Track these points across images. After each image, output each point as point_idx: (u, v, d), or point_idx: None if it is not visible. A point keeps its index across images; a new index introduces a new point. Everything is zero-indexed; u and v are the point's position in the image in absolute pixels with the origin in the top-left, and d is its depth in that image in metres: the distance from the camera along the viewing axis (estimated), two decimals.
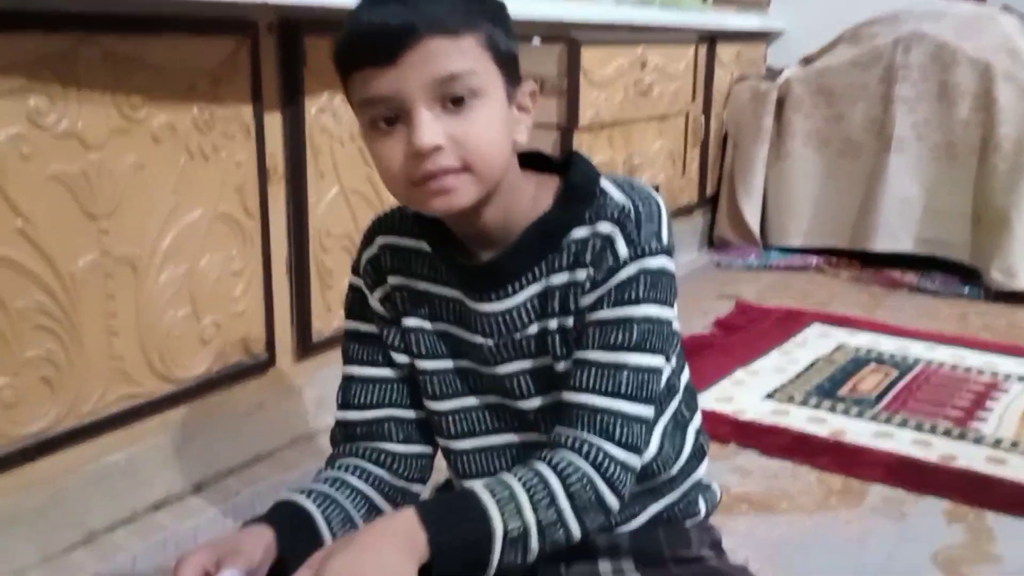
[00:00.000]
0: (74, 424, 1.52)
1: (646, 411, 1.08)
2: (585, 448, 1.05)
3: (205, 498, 1.72)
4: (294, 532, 1.06)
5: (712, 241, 3.65)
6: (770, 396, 2.26)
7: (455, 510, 1.01)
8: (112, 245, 1.53)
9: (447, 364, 1.17)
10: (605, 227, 1.07)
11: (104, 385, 1.56)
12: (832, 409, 2.18)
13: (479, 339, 1.13)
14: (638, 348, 1.07)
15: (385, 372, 1.19)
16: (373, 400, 1.19)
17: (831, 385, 2.32)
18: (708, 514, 1.30)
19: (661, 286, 1.08)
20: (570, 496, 1.03)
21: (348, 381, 1.20)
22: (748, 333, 2.69)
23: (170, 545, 1.57)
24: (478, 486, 1.02)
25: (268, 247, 1.82)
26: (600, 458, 1.05)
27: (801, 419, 2.13)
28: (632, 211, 1.07)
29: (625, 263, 1.06)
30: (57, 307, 1.46)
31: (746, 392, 2.28)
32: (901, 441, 2.02)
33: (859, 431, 2.07)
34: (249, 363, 1.82)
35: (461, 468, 1.20)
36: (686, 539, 1.24)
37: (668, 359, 1.14)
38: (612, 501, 1.07)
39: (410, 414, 1.20)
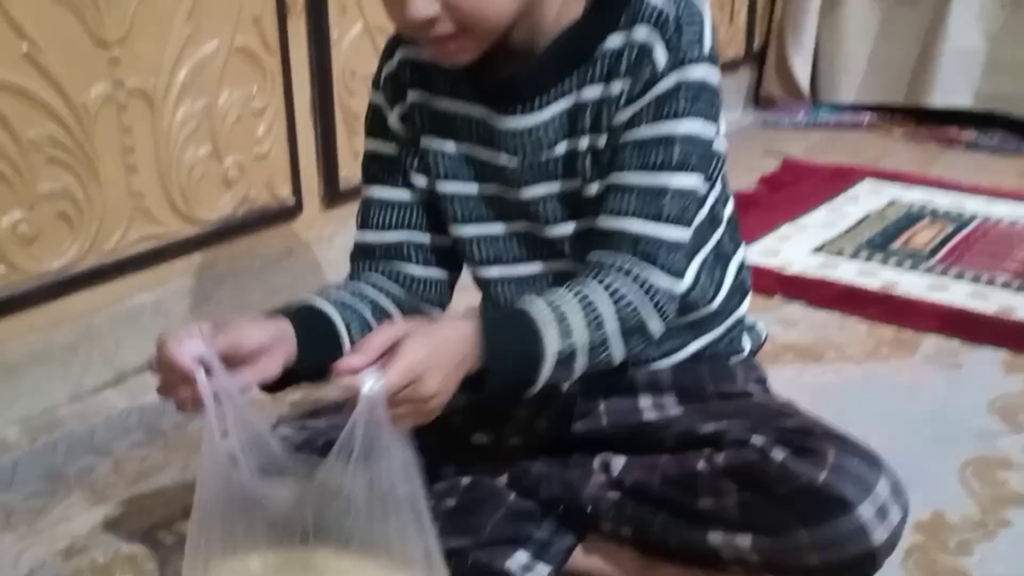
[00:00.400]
0: (97, 263, 1.48)
1: (686, 235, 1.02)
2: (633, 272, 1.00)
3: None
4: (315, 336, 1.01)
5: (758, 100, 3.49)
6: (818, 250, 2.17)
7: (512, 327, 0.96)
8: (124, 75, 1.45)
9: (471, 188, 1.10)
10: (641, 33, 0.97)
11: (126, 223, 1.51)
12: (884, 262, 2.09)
13: (504, 159, 1.05)
14: (680, 168, 0.99)
15: (404, 194, 1.12)
16: (392, 222, 1.13)
17: (883, 239, 2.22)
18: (753, 352, 1.25)
19: (703, 99, 0.99)
20: (619, 319, 0.99)
21: (367, 202, 1.14)
22: (795, 189, 2.58)
23: None
24: (534, 301, 0.98)
25: (290, 86, 1.73)
26: (647, 283, 1.00)
27: (851, 272, 2.05)
28: (671, 14, 0.97)
29: (664, 73, 0.97)
30: (71, 139, 1.39)
31: (793, 246, 2.19)
32: (956, 293, 1.94)
33: (912, 284, 1.99)
34: (276, 208, 1.76)
35: (493, 296, 1.14)
36: (730, 375, 1.19)
37: (709, 180, 1.08)
38: (656, 327, 1.02)
39: (429, 239, 1.13)
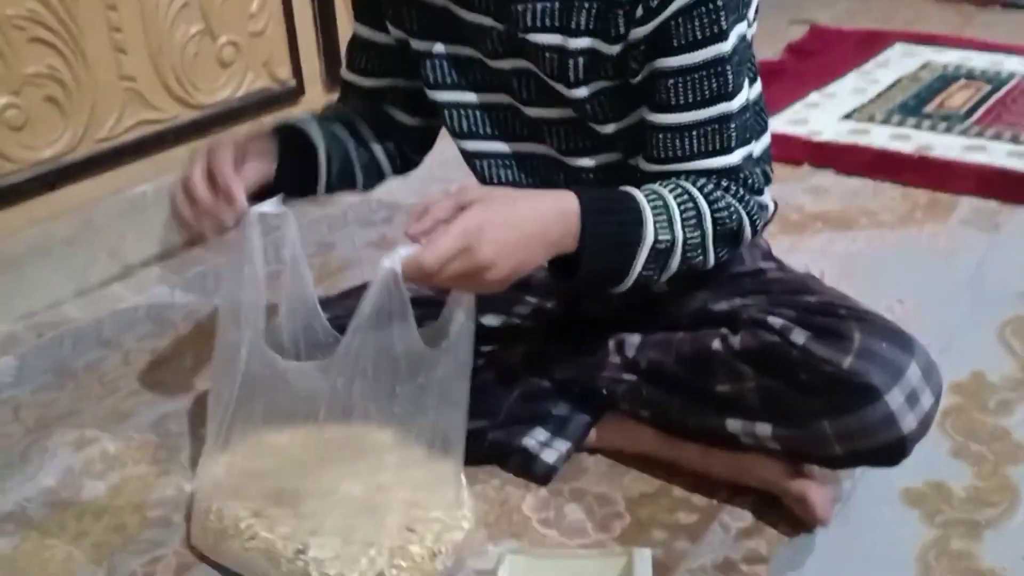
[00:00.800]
0: (92, 150, 1.43)
1: (753, 147, 0.97)
2: (731, 190, 0.95)
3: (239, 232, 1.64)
4: (296, 166, 0.99)
5: None
6: (848, 116, 2.06)
7: (614, 209, 0.90)
8: None
9: (440, 48, 1.01)
10: None
11: (119, 108, 1.44)
12: (917, 126, 1.99)
13: (483, 19, 0.97)
14: (737, 89, 0.92)
15: (388, 39, 1.05)
16: (376, 67, 1.08)
17: (916, 102, 2.11)
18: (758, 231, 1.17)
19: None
20: (715, 221, 0.93)
21: (353, 42, 1.09)
22: (824, 57, 2.45)
23: (209, 278, 1.50)
24: (631, 188, 0.92)
25: None
26: (737, 192, 0.95)
27: (883, 137, 1.95)
28: None
29: None
30: (53, 17, 1.32)
31: (821, 114, 2.08)
32: (995, 154, 1.84)
33: (948, 146, 1.89)
34: (276, 90, 1.68)
35: (479, 175, 1.07)
36: (737, 256, 1.12)
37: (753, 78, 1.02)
38: (747, 236, 0.97)
39: (413, 85, 1.06)
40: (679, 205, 0.91)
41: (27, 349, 1.33)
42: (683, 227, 0.91)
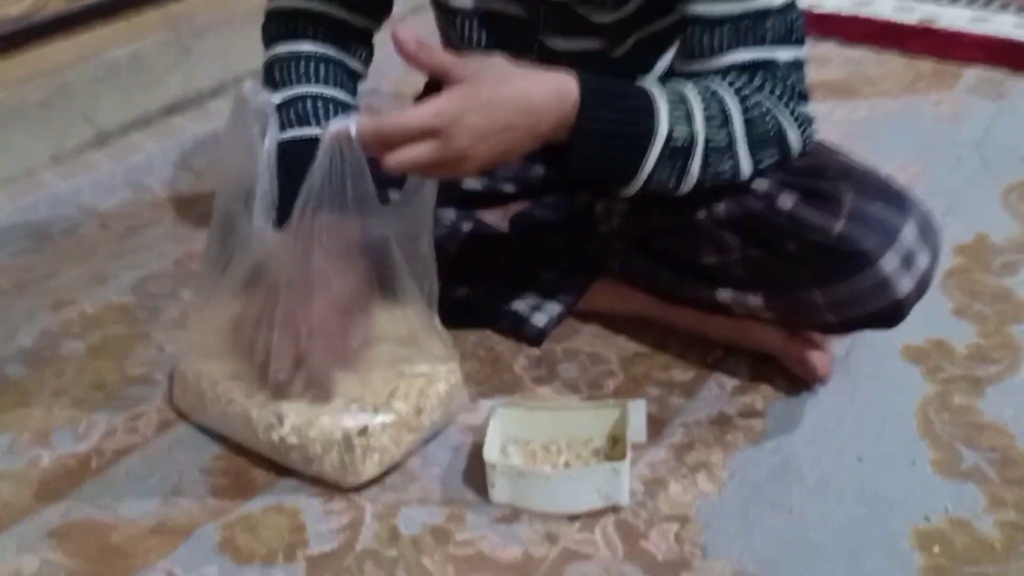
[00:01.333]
0: (62, 9, 1.36)
1: (801, 54, 0.89)
2: (758, 83, 0.86)
3: (225, 102, 1.58)
4: None
5: None
6: None
7: (619, 92, 0.82)
8: None
9: None
10: None
11: None
12: None
13: None
14: None
15: None
16: None
17: None
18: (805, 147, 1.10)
19: None
20: (748, 122, 0.85)
21: None
22: None
23: (187, 146, 1.45)
24: (644, 80, 0.85)
25: None
26: (779, 93, 0.87)
27: (887, 8, 1.87)
28: None
29: None
30: None
31: None
32: (1001, 24, 1.78)
33: (953, 17, 1.82)
34: None
35: (458, 34, 0.99)
36: None
37: None
38: (795, 143, 0.88)
39: None
40: (700, 101, 0.84)
41: (4, 214, 1.28)
42: (705, 125, 0.83)
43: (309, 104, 0.96)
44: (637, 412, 0.87)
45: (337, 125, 0.77)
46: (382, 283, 0.87)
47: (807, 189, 0.88)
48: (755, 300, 0.92)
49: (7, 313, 1.11)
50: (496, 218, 1.11)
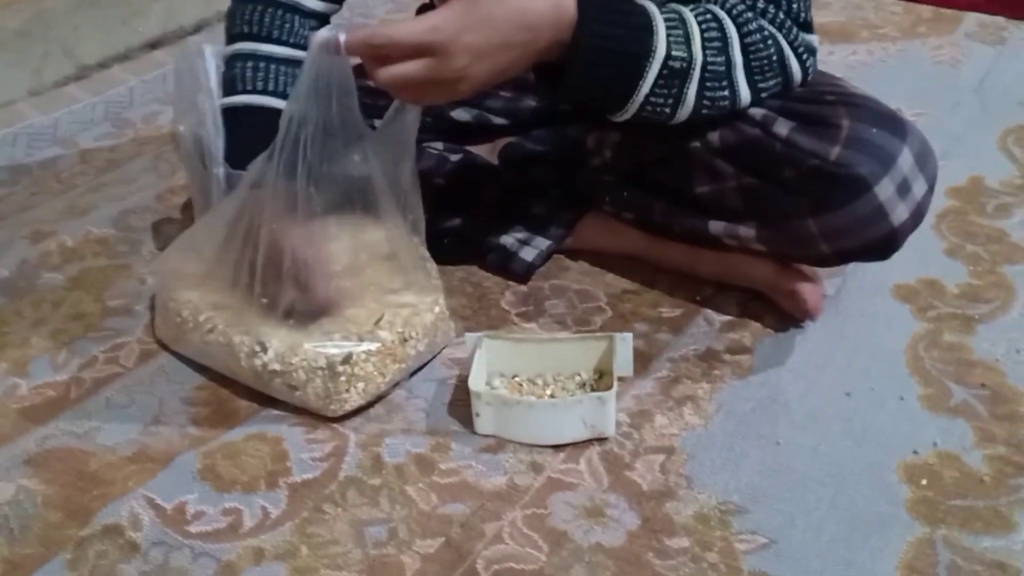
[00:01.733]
0: None
1: None
2: (769, 14, 0.85)
3: (206, 38, 1.55)
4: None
5: None
6: None
7: (618, 8, 0.79)
8: None
9: None
10: None
11: None
12: None
13: None
14: None
15: None
16: None
17: None
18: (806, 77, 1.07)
19: None
20: (745, 48, 0.83)
21: None
22: None
23: (170, 80, 1.41)
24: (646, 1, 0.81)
25: None
26: (787, 26, 0.86)
27: None
28: None
29: None
30: None
31: None
32: None
33: None
34: None
35: None
36: None
37: None
38: (796, 72, 0.87)
39: None
40: (700, 23, 0.82)
41: None
42: (704, 48, 0.81)
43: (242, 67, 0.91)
44: (624, 345, 0.86)
45: (325, 33, 0.74)
46: (366, 211, 0.85)
47: (804, 115, 0.87)
48: (747, 231, 0.90)
49: None
50: (485, 151, 1.09)
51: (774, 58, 0.85)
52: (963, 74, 1.42)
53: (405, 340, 0.85)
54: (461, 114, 1.07)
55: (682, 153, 0.92)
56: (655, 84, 0.81)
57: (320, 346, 0.82)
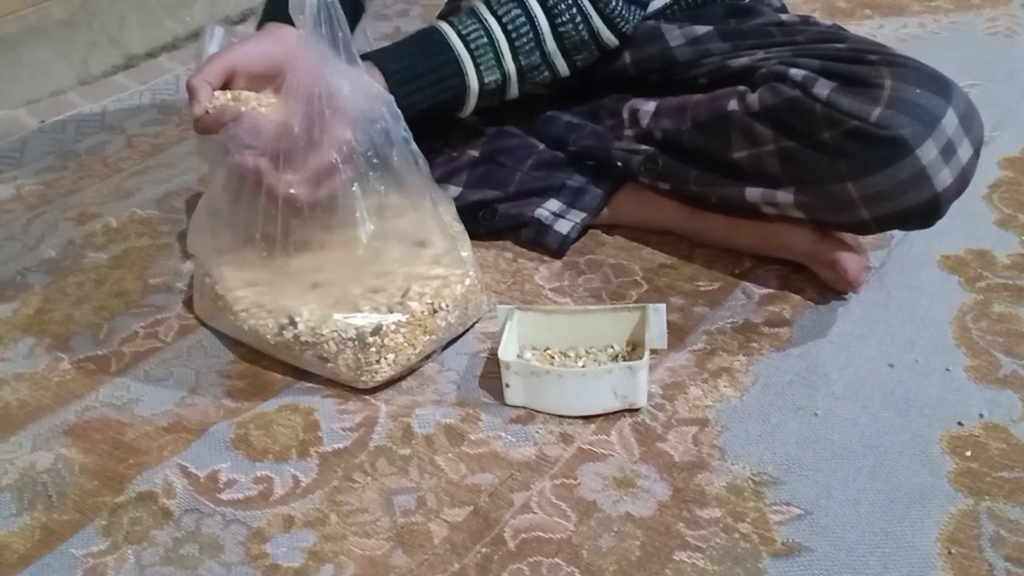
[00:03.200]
0: None
1: None
2: None
3: (252, 26, 1.56)
4: None
5: None
6: None
7: (422, 67, 0.89)
8: None
9: None
10: None
11: None
12: None
13: None
14: None
15: None
16: None
17: None
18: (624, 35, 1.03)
19: None
20: (558, 36, 0.91)
21: None
22: None
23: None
24: (448, 29, 0.89)
25: None
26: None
27: None
28: None
29: None
30: None
31: None
32: None
33: None
34: None
35: None
36: (747, 9, 1.03)
37: None
38: (609, 38, 0.93)
39: None
40: (508, 34, 0.89)
41: (30, 132, 1.29)
42: (515, 58, 0.90)
43: None
44: (657, 316, 0.84)
45: None
46: (395, 180, 0.85)
47: (846, 75, 0.85)
48: (785, 197, 0.88)
49: (31, 225, 1.11)
50: (520, 124, 1.08)
51: (585, 36, 0.92)
52: (1018, 44, 1.37)
53: (435, 312, 0.85)
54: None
55: (719, 118, 0.91)
56: (480, 98, 0.92)
57: (350, 317, 0.82)
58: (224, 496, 0.75)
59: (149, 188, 1.17)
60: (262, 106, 0.83)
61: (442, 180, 1.01)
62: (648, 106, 0.98)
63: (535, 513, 0.72)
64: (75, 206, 1.14)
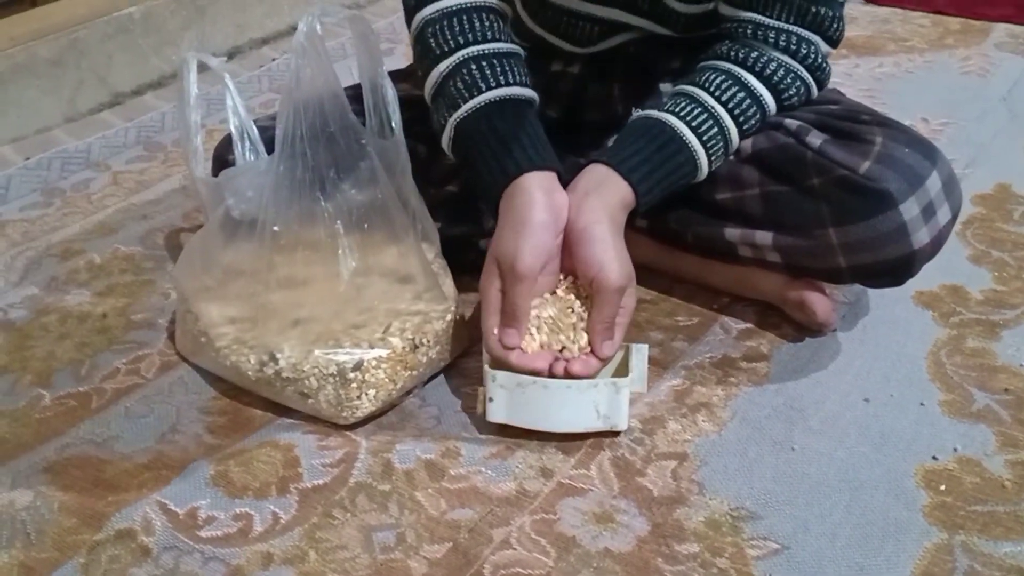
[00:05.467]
0: None
1: None
2: (793, 45, 0.88)
3: (239, 63, 1.58)
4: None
5: None
6: None
7: (662, 161, 0.86)
8: None
9: None
10: None
11: None
12: None
13: None
14: None
15: None
16: None
17: None
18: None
19: None
20: (782, 105, 0.90)
21: None
22: None
23: (203, 105, 1.44)
24: (672, 118, 0.86)
25: None
26: (817, 62, 0.90)
27: None
28: None
29: None
30: None
31: None
32: None
33: None
34: None
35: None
36: None
37: None
38: (815, 89, 0.92)
39: None
40: (735, 114, 0.87)
41: (15, 169, 1.29)
42: (740, 131, 0.88)
43: (475, 68, 0.87)
44: (639, 356, 0.85)
45: (305, 25, 0.77)
46: (377, 223, 0.86)
47: (838, 130, 0.88)
48: (764, 238, 0.90)
49: (14, 262, 1.11)
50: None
51: (803, 92, 0.90)
52: (991, 84, 1.40)
53: (416, 347, 0.85)
54: None
55: None
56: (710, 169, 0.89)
57: (331, 353, 0.82)
58: (203, 533, 0.75)
59: (133, 224, 1.17)
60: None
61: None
62: None
63: (515, 549, 0.73)
64: (59, 242, 1.14)
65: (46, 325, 1.00)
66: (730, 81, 0.87)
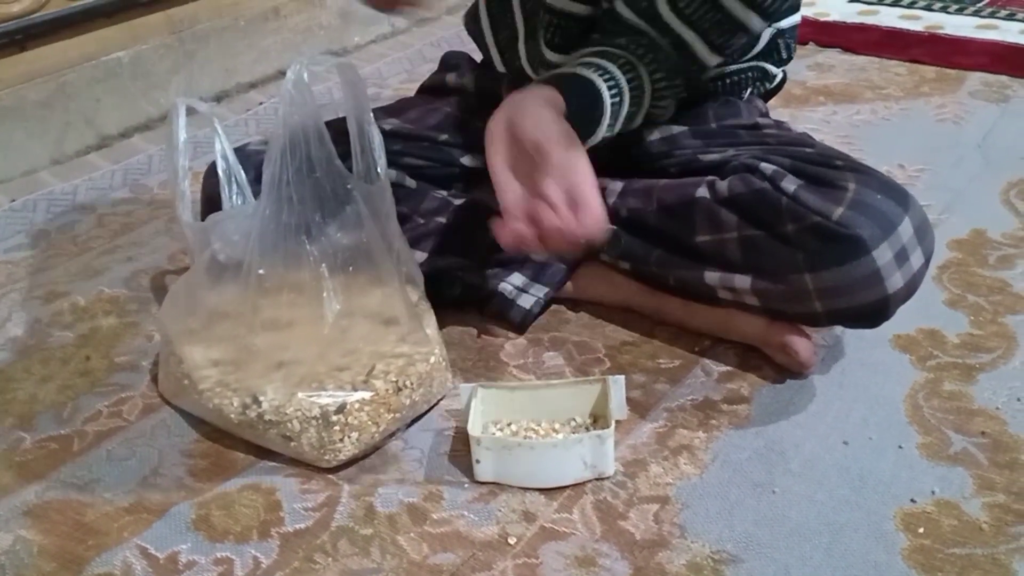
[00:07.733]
0: (62, 10, 1.37)
1: None
2: None
3: (227, 107, 1.59)
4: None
5: None
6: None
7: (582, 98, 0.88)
8: None
9: None
10: None
11: None
12: (928, 7, 1.91)
13: None
14: None
15: None
16: None
17: None
18: (757, 94, 1.11)
19: None
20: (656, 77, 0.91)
21: None
22: None
23: (190, 148, 1.45)
24: (593, 73, 0.88)
25: None
26: None
27: (892, 18, 1.88)
28: None
29: None
30: None
31: None
32: (1007, 32, 1.77)
33: (958, 25, 1.82)
34: None
35: None
36: (735, 110, 1.06)
37: None
38: (758, 23, 0.92)
39: None
40: (649, 72, 0.90)
41: (0, 212, 1.30)
42: (651, 78, 0.90)
43: None
44: (617, 387, 0.86)
45: (293, 72, 0.78)
46: (363, 265, 0.87)
47: (813, 175, 0.89)
48: (742, 282, 0.91)
49: None
50: (489, 195, 1.10)
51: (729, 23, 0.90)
52: (966, 131, 1.43)
53: (399, 389, 0.86)
54: (469, 160, 1.09)
55: (687, 203, 0.95)
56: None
57: (314, 396, 0.83)
58: None
59: (118, 267, 1.17)
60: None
61: (409, 246, 1.03)
62: (615, 185, 1.02)
63: None
64: (43, 284, 1.15)
65: (29, 367, 1.00)
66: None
